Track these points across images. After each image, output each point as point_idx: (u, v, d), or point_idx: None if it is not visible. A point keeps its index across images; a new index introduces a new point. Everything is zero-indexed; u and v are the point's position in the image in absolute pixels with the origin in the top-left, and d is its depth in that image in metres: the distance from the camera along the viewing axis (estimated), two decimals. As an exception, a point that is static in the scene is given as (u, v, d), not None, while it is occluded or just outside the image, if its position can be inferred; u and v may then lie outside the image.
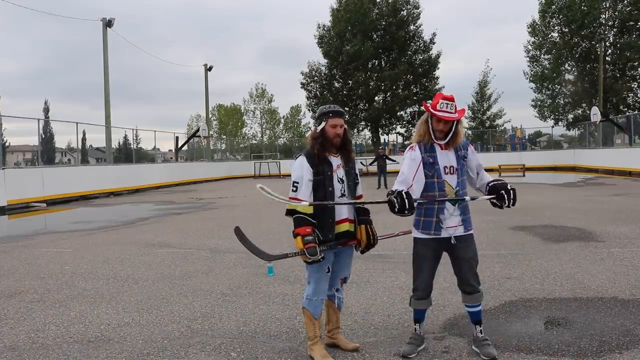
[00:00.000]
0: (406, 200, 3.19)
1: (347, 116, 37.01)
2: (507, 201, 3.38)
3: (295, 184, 3.39)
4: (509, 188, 3.41)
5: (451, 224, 3.41)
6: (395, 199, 3.21)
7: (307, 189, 3.38)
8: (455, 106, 3.41)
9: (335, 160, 3.50)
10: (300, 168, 3.42)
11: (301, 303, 3.58)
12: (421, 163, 3.40)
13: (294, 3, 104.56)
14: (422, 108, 3.56)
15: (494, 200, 3.44)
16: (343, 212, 3.47)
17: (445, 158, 3.44)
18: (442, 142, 3.44)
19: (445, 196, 3.39)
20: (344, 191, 3.48)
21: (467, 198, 3.39)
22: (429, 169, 3.40)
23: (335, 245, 3.43)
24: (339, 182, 3.46)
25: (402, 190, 3.24)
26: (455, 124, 3.43)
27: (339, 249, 3.49)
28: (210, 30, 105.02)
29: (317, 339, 3.48)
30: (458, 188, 3.42)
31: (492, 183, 3.51)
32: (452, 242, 3.41)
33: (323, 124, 3.47)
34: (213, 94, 69.69)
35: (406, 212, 3.21)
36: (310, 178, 3.39)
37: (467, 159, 3.50)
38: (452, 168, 3.43)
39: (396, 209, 3.20)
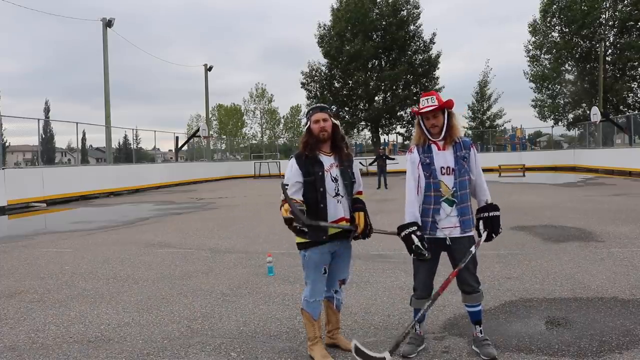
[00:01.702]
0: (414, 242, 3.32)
1: (346, 115, 37.08)
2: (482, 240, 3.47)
3: (285, 187, 3.40)
4: (493, 236, 3.45)
5: (447, 225, 3.42)
6: (405, 242, 3.36)
7: (298, 191, 3.38)
8: (436, 98, 3.45)
9: (328, 160, 3.48)
10: (289, 170, 3.44)
11: (300, 304, 3.58)
12: (420, 164, 3.44)
13: (295, 3, 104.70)
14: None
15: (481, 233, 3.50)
16: (339, 211, 3.44)
17: (442, 159, 3.44)
18: (439, 139, 3.45)
19: (441, 196, 3.41)
20: (338, 190, 3.45)
21: (472, 249, 3.39)
22: (426, 170, 3.43)
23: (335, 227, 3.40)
24: (332, 181, 3.43)
25: (411, 232, 3.33)
26: (447, 117, 3.44)
27: (335, 249, 3.48)
28: (211, 30, 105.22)
29: (317, 340, 3.48)
30: (455, 189, 3.42)
31: (483, 216, 3.46)
32: (447, 243, 3.42)
33: (308, 123, 3.51)
34: (213, 94, 69.65)
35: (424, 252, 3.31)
36: (298, 180, 3.40)
37: (469, 159, 3.49)
38: (448, 169, 3.43)
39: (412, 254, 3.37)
